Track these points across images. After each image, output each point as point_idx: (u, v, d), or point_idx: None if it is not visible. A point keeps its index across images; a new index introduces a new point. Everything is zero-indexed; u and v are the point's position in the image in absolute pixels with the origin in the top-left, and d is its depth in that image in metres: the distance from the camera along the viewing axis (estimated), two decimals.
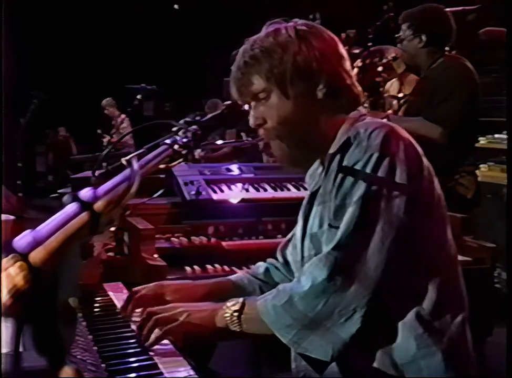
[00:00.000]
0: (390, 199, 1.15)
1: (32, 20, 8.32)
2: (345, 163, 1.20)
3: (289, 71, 1.28)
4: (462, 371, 1.20)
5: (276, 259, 1.57)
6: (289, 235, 1.55)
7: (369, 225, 1.14)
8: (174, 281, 1.54)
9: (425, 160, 1.23)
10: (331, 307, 1.13)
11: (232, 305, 1.24)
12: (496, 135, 3.86)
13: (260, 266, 1.57)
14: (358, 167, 1.17)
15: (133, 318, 1.37)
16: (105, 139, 6.96)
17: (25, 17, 7.75)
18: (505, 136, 3.75)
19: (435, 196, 1.23)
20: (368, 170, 1.16)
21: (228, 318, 1.23)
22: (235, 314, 1.23)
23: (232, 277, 1.55)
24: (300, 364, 1.29)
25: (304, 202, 1.41)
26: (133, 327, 1.33)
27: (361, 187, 1.16)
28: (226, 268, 1.98)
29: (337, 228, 1.18)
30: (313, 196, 1.34)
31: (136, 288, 1.44)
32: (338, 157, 1.24)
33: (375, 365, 1.17)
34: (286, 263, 1.53)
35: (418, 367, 1.17)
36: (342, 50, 1.34)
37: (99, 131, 7.28)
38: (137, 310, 1.39)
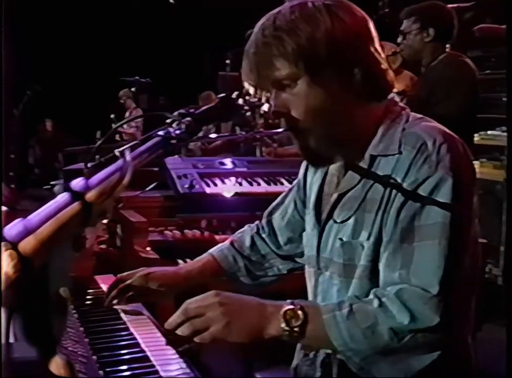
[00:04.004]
0: (468, 228, 1.08)
1: (27, 13, 8.26)
2: (411, 178, 1.07)
3: (321, 52, 1.08)
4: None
5: (262, 223, 1.49)
6: (277, 201, 1.48)
7: (459, 262, 1.07)
8: (155, 269, 1.43)
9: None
10: (418, 343, 1.04)
11: (291, 318, 1.06)
12: (489, 132, 3.87)
13: (247, 237, 1.49)
14: (428, 185, 1.06)
15: (115, 306, 1.38)
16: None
17: (20, 10, 7.69)
18: (497, 133, 3.77)
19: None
20: (441, 193, 1.05)
21: (287, 332, 1.06)
22: (296, 329, 1.06)
23: (216, 254, 1.47)
24: (302, 369, 1.27)
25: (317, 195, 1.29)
26: (125, 319, 1.34)
27: (438, 213, 1.05)
28: None
29: (401, 248, 1.08)
30: (341, 196, 1.20)
31: (120, 275, 1.41)
32: (393, 163, 1.11)
33: None
34: (272, 232, 1.47)
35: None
36: (374, 29, 1.16)
37: (112, 116, 7.10)
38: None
